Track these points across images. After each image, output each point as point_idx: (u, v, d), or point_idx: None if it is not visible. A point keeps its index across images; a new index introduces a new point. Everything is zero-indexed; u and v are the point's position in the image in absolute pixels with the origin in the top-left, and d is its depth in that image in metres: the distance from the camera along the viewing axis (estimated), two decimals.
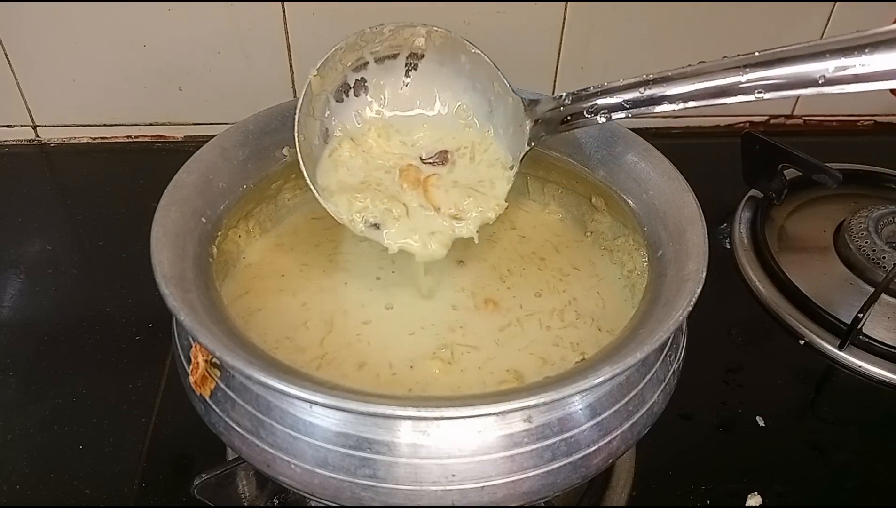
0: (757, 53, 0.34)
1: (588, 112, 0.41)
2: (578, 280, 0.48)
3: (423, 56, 0.46)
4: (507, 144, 0.46)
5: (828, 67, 0.32)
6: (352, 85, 0.46)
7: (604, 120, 0.40)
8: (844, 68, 0.32)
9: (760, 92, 0.34)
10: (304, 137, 0.44)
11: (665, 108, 0.38)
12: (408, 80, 0.47)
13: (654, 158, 0.45)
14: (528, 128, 0.44)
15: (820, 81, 0.33)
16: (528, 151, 0.45)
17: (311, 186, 0.43)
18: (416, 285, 0.46)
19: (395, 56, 0.46)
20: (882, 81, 0.31)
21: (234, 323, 0.37)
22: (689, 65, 0.37)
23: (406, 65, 0.47)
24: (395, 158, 0.46)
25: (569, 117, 0.42)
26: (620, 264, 0.49)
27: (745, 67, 0.34)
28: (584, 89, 0.41)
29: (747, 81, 0.35)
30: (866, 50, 0.31)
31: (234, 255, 0.47)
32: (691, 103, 0.37)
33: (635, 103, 0.39)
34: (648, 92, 0.38)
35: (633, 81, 0.39)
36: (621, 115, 0.40)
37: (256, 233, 0.49)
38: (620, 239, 0.48)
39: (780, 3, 0.73)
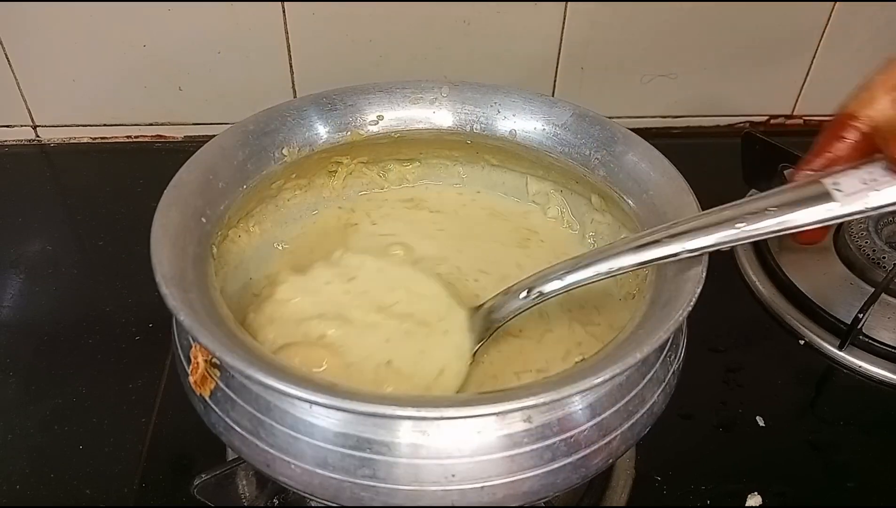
0: (671, 225, 0.38)
1: (524, 298, 0.41)
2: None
3: None
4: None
5: (740, 229, 0.36)
6: None
7: (541, 300, 0.41)
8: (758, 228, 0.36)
9: (685, 256, 0.37)
10: None
11: (598, 278, 0.39)
12: None
13: (654, 158, 0.45)
14: (475, 329, 0.43)
15: (736, 237, 0.36)
16: (476, 350, 0.42)
17: None
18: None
19: None
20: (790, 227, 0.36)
21: (234, 323, 0.37)
22: (613, 242, 0.40)
23: None
24: None
25: (508, 306, 0.42)
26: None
27: (667, 237, 0.37)
28: (520, 282, 0.41)
29: (671, 250, 0.37)
30: (771, 212, 0.36)
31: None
32: (621, 273, 0.39)
33: (571, 285, 0.40)
34: (581, 272, 0.39)
35: (566, 266, 0.40)
36: (558, 293, 0.40)
37: (256, 233, 0.49)
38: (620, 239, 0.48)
39: (780, 3, 0.73)
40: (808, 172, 0.37)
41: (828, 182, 0.36)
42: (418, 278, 0.45)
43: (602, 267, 0.38)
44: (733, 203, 0.37)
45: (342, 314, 0.42)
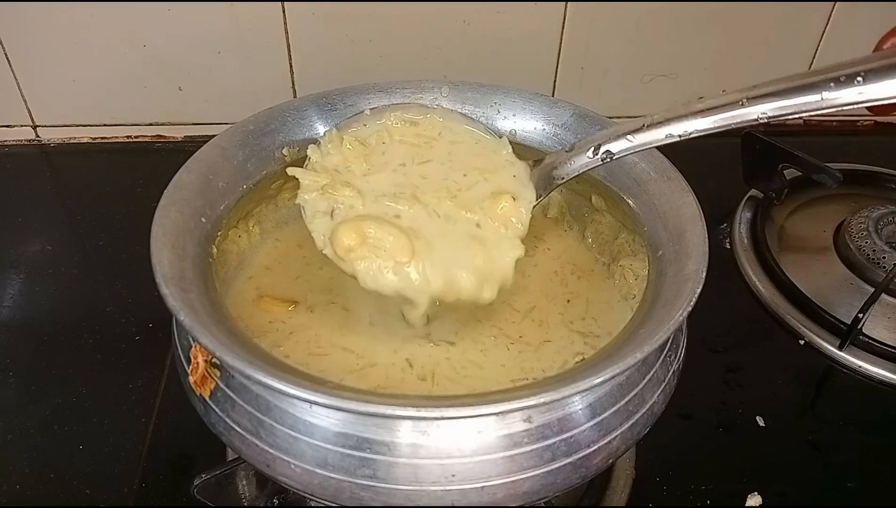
0: (753, 88, 0.35)
1: (590, 155, 0.41)
2: (578, 280, 0.48)
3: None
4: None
5: (823, 96, 0.33)
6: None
7: (609, 160, 0.40)
8: (840, 97, 0.33)
9: (763, 119, 0.35)
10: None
11: (669, 141, 0.38)
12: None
13: (654, 158, 0.45)
14: (533, 183, 0.44)
15: (822, 104, 0.34)
16: (536, 204, 0.44)
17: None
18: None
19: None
20: (877, 101, 0.33)
21: (234, 323, 0.37)
22: (690, 102, 0.37)
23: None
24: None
25: (571, 163, 0.42)
26: (620, 265, 0.48)
27: (746, 99, 0.35)
28: (587, 138, 0.41)
29: (751, 112, 0.35)
30: (858, 79, 0.33)
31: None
32: (695, 134, 0.37)
33: (640, 146, 0.39)
34: (653, 132, 0.38)
35: (636, 125, 0.39)
36: (625, 154, 0.40)
37: (257, 234, 0.49)
38: (620, 239, 0.48)
39: (781, 3, 0.73)
40: (894, 43, 0.35)
41: None
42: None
43: (674, 129, 0.37)
44: (819, 68, 0.34)
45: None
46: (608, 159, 0.40)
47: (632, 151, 0.39)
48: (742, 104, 0.35)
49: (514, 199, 0.43)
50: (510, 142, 0.48)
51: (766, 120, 0.35)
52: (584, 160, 0.41)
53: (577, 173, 0.42)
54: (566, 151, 0.42)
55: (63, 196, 0.73)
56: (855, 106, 0.33)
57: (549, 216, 0.53)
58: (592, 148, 0.40)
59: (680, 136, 0.37)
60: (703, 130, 0.37)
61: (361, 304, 0.46)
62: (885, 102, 0.33)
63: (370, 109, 0.47)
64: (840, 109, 0.33)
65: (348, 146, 0.46)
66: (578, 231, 0.52)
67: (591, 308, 0.47)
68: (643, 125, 0.38)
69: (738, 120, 0.35)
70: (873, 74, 0.32)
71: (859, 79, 0.33)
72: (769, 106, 0.34)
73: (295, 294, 0.47)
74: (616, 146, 0.39)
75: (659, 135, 0.38)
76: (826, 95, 0.33)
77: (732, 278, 0.64)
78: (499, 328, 0.45)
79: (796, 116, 0.34)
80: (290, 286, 0.47)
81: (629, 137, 0.39)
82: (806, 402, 0.56)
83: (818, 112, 0.34)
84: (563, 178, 0.42)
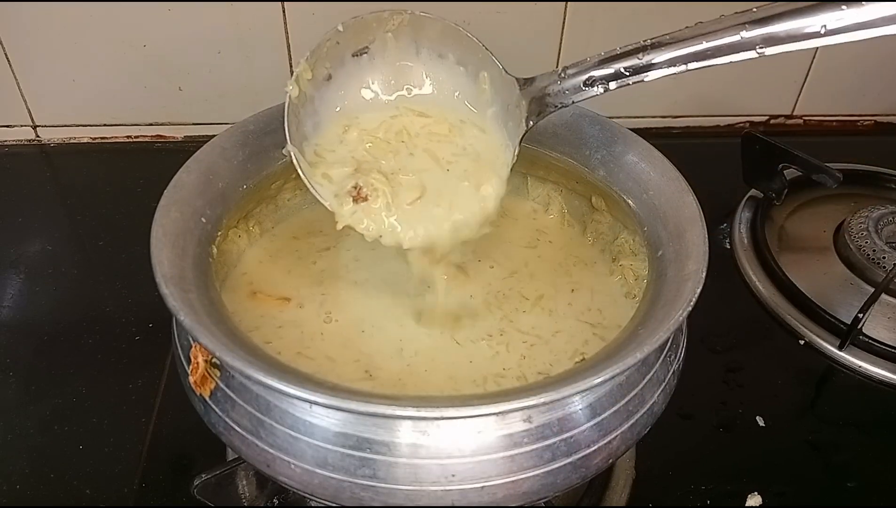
0: (755, 10, 0.34)
1: (586, 84, 0.40)
2: (578, 281, 0.48)
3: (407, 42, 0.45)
4: (507, 127, 0.45)
5: (828, 18, 0.32)
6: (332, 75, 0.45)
7: (601, 91, 0.39)
8: (844, 18, 0.32)
9: (762, 47, 0.34)
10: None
11: (665, 72, 0.37)
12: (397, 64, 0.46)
13: (654, 158, 0.45)
14: (524, 107, 0.43)
15: (822, 32, 0.32)
16: (527, 132, 0.43)
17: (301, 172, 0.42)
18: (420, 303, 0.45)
19: (366, 49, 0.45)
20: (883, 26, 0.31)
21: (234, 323, 0.37)
22: (687, 27, 0.36)
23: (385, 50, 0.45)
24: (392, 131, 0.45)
25: (567, 91, 0.41)
26: (620, 264, 0.49)
27: (744, 24, 0.34)
28: (579, 62, 0.40)
29: (747, 38, 0.34)
30: None
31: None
32: (692, 65, 0.36)
33: (635, 70, 0.37)
34: (647, 58, 0.37)
35: (630, 48, 0.38)
36: (619, 83, 0.38)
37: (257, 234, 0.49)
38: (620, 239, 0.48)
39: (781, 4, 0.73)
40: None
41: None
42: None
43: (673, 53, 0.36)
44: None
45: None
46: (604, 90, 0.39)
47: (629, 81, 0.38)
48: (744, 28, 0.34)
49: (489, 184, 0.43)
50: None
51: (763, 51, 0.33)
52: (578, 87, 0.39)
53: (571, 102, 0.40)
54: (556, 73, 0.41)
55: (63, 196, 0.73)
56: (855, 34, 0.31)
57: (549, 216, 0.53)
58: (587, 76, 0.39)
59: (682, 61, 0.35)
60: (702, 63, 0.35)
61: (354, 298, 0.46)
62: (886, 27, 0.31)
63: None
64: (840, 35, 0.32)
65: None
66: (579, 231, 0.52)
67: (596, 299, 0.47)
68: (646, 44, 0.36)
69: (738, 48, 0.34)
70: None
71: None
72: (770, 29, 0.33)
73: (287, 290, 0.47)
74: (614, 83, 0.38)
75: (658, 58, 0.36)
76: (846, 9, 0.31)
77: (732, 278, 0.64)
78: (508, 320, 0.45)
79: (800, 44, 0.33)
80: (283, 281, 0.47)
81: (639, 56, 0.37)
82: (806, 402, 0.56)
83: (820, 39, 0.32)
84: (556, 106, 0.41)
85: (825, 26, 0.32)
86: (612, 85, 0.39)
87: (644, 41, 0.37)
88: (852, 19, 0.32)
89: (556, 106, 0.41)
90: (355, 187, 0.41)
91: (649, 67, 0.37)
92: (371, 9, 0.69)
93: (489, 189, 0.43)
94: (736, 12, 0.35)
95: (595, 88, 0.39)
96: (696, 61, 0.36)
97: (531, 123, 0.42)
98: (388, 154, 0.44)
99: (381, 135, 0.45)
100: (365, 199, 0.41)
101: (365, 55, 0.45)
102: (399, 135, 0.45)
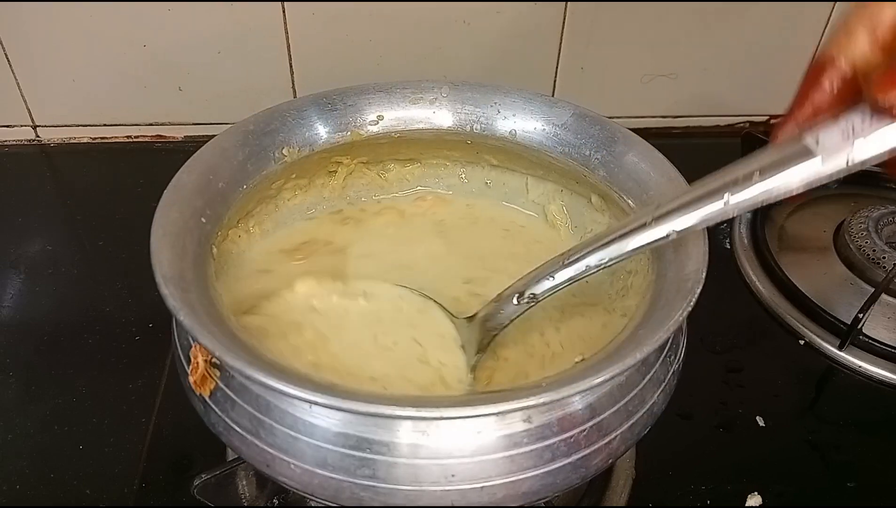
0: (657, 207, 0.37)
1: (517, 301, 0.41)
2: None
3: None
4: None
5: (727, 200, 0.34)
6: None
7: (534, 303, 0.40)
8: (744, 197, 0.34)
9: (674, 237, 0.36)
10: None
11: (589, 272, 0.39)
12: None
13: (654, 158, 0.45)
14: (474, 342, 0.42)
15: (727, 209, 0.35)
16: (477, 361, 0.42)
17: None
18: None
19: None
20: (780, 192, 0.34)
21: (234, 323, 0.37)
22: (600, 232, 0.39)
23: None
24: None
25: (501, 313, 0.41)
26: (620, 264, 0.48)
27: (653, 219, 0.36)
28: (509, 286, 0.41)
29: (659, 232, 0.36)
30: (756, 176, 0.34)
31: None
32: (612, 263, 0.38)
33: (562, 283, 0.39)
34: (570, 270, 0.39)
35: (555, 264, 0.39)
36: (549, 294, 0.40)
37: (256, 233, 0.49)
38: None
39: (781, 4, 0.73)
40: (791, 127, 0.35)
41: (809, 139, 0.33)
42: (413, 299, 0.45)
43: (591, 260, 0.38)
44: (717, 172, 0.35)
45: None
46: (533, 303, 0.40)
47: (555, 290, 0.39)
48: (648, 225, 0.36)
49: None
50: (511, 141, 0.48)
51: (676, 236, 0.36)
52: (512, 308, 0.41)
53: (508, 321, 0.41)
54: (494, 302, 0.42)
55: (63, 196, 0.73)
56: (763, 202, 0.34)
57: (549, 216, 0.53)
58: (516, 295, 0.40)
59: (597, 266, 0.38)
60: (620, 258, 0.37)
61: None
62: (786, 193, 0.33)
63: None
64: (748, 208, 0.34)
65: None
66: (578, 231, 0.52)
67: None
68: (561, 263, 0.39)
69: (649, 239, 0.36)
70: (770, 168, 0.33)
71: (757, 175, 0.33)
72: (676, 222, 0.36)
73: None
74: (540, 287, 0.40)
75: (578, 268, 0.38)
76: (730, 198, 0.34)
77: (732, 278, 0.64)
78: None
79: (706, 224, 0.35)
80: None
81: (550, 276, 0.39)
82: (806, 402, 0.56)
83: (728, 215, 0.35)
84: (497, 328, 0.41)
85: (729, 203, 0.35)
86: (541, 296, 0.40)
87: (568, 254, 0.39)
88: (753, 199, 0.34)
89: (497, 329, 0.42)
90: None
91: (565, 281, 0.39)
92: (371, 9, 0.69)
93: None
94: (648, 208, 0.37)
95: (525, 303, 0.40)
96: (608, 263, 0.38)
97: (480, 354, 0.42)
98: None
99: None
100: None
101: None
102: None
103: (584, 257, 0.38)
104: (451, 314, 0.44)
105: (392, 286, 0.45)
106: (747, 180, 0.34)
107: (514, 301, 0.40)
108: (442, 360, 0.41)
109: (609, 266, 0.38)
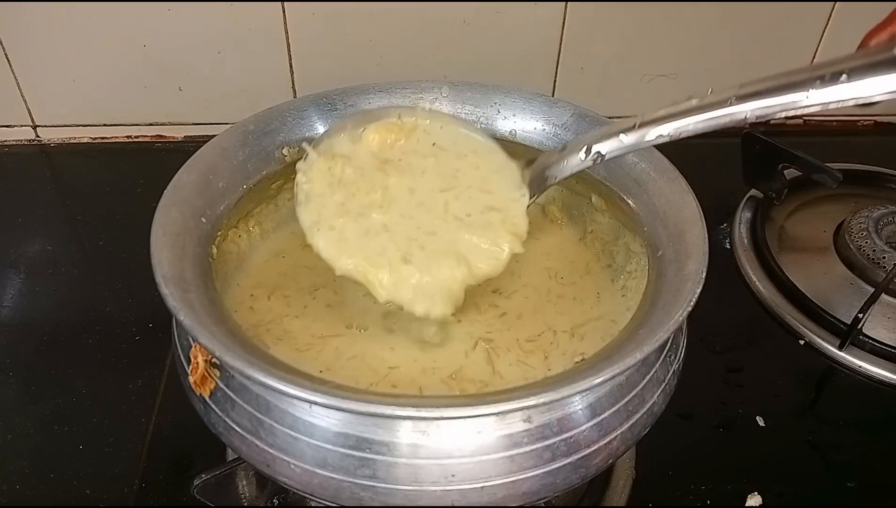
0: (742, 86, 0.35)
1: (583, 156, 0.41)
2: (578, 281, 0.48)
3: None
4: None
5: (809, 94, 0.34)
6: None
7: (600, 161, 0.40)
8: (825, 94, 0.33)
9: (752, 118, 0.35)
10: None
11: (660, 140, 0.38)
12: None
13: (654, 158, 0.45)
14: (525, 190, 0.44)
15: (808, 101, 0.34)
16: (529, 204, 0.44)
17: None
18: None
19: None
20: (860, 99, 0.33)
21: (234, 323, 0.37)
22: (679, 101, 0.38)
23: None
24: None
25: (565, 166, 0.42)
26: (620, 264, 0.49)
27: (735, 98, 0.35)
28: (578, 138, 0.41)
29: (739, 111, 0.35)
30: (843, 77, 0.33)
31: None
32: (684, 134, 0.37)
33: (631, 147, 0.39)
34: (642, 133, 0.38)
35: (628, 125, 0.39)
36: (616, 154, 0.40)
37: (257, 233, 0.49)
38: (620, 240, 0.48)
39: (781, 4, 0.73)
40: (884, 35, 0.35)
41: None
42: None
43: (665, 129, 0.37)
44: (804, 67, 0.34)
45: None
46: (599, 160, 0.40)
47: (623, 151, 0.39)
48: (731, 103, 0.35)
49: (503, 213, 0.43)
50: (511, 141, 0.48)
51: (754, 119, 0.35)
52: (576, 161, 0.41)
53: (569, 174, 0.42)
54: (558, 152, 0.42)
55: (63, 196, 0.73)
56: (840, 104, 0.33)
57: (548, 215, 0.53)
58: (584, 148, 0.40)
59: (670, 135, 0.37)
60: (693, 131, 0.37)
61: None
62: (867, 100, 0.33)
63: (349, 118, 0.46)
64: (826, 106, 0.33)
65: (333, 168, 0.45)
66: (578, 232, 0.52)
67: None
68: (634, 125, 0.38)
69: (727, 119, 0.35)
70: (857, 71, 0.33)
71: (844, 77, 0.33)
72: (757, 105, 0.34)
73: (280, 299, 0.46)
74: (606, 147, 0.40)
75: (650, 135, 0.38)
76: (812, 92, 0.33)
77: (732, 278, 0.64)
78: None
79: (783, 113, 0.34)
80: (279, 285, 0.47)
81: (621, 136, 0.39)
82: (806, 402, 0.56)
83: (805, 110, 0.34)
84: (555, 177, 0.42)
85: (808, 96, 0.34)
86: (607, 156, 0.40)
87: (641, 118, 0.38)
88: (834, 96, 0.33)
89: (555, 178, 0.42)
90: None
91: (638, 143, 0.39)
92: (371, 9, 0.69)
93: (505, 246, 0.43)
94: (725, 88, 0.36)
95: (589, 160, 0.40)
96: (690, 132, 0.37)
97: (534, 197, 0.44)
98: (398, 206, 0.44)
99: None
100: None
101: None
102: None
103: (656, 123, 0.37)
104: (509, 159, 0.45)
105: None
106: (834, 79, 0.33)
107: (581, 155, 0.40)
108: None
109: (679, 137, 0.37)
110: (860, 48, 0.35)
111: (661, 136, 0.37)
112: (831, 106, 0.33)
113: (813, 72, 0.34)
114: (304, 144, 0.45)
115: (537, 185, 0.43)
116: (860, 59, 0.33)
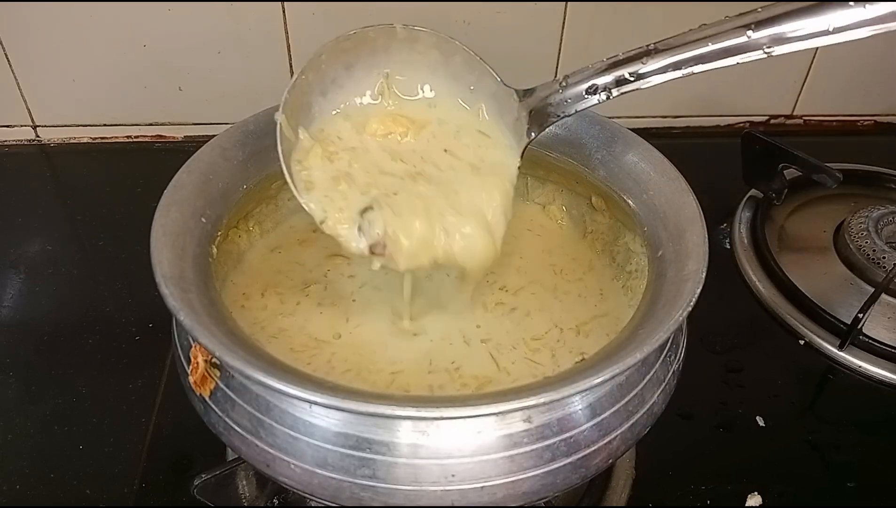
0: (760, 10, 0.34)
1: (588, 92, 0.39)
2: (578, 281, 0.48)
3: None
4: (509, 140, 0.45)
5: (833, 17, 0.32)
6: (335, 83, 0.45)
7: (604, 98, 0.39)
8: (849, 17, 0.32)
9: (769, 48, 0.34)
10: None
11: (669, 76, 0.36)
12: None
13: (654, 158, 0.45)
14: (524, 119, 0.43)
15: (830, 30, 0.32)
16: (529, 143, 0.43)
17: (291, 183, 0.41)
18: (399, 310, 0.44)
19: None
20: (889, 22, 0.31)
21: (234, 323, 0.37)
22: (691, 29, 0.36)
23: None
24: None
25: (568, 100, 0.40)
26: (620, 264, 0.49)
27: (749, 25, 0.34)
28: (581, 69, 0.40)
29: (754, 39, 0.34)
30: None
31: None
32: (697, 68, 0.35)
33: (638, 76, 0.37)
34: (651, 62, 0.37)
35: (632, 53, 0.37)
36: (622, 89, 0.38)
37: (257, 233, 0.49)
38: (620, 240, 0.48)
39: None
40: None
41: None
42: None
43: (681, 54, 0.35)
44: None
45: None
46: (609, 97, 0.38)
47: (629, 89, 0.37)
48: (751, 28, 0.33)
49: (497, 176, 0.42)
50: None
51: (771, 51, 0.33)
52: (591, 99, 0.39)
53: (574, 112, 0.39)
54: (560, 84, 0.40)
55: (63, 196, 0.73)
56: (861, 30, 0.32)
57: (548, 216, 0.53)
58: (588, 85, 0.38)
59: (686, 64, 0.35)
60: (708, 66, 0.35)
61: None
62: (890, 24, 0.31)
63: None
64: (847, 33, 0.32)
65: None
66: (579, 231, 0.52)
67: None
68: (650, 49, 0.36)
69: (745, 49, 0.34)
70: None
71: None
72: (777, 29, 0.33)
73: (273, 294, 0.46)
74: (627, 70, 0.37)
75: (662, 64, 0.36)
76: (833, 25, 0.32)
77: (732, 278, 0.64)
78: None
79: (803, 44, 0.33)
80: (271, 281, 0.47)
81: (643, 61, 0.36)
82: (806, 402, 0.56)
83: (828, 41, 0.32)
84: (556, 116, 0.40)
85: (832, 25, 0.32)
86: (615, 92, 0.39)
87: (647, 45, 0.37)
88: (859, 17, 0.32)
89: (558, 116, 0.41)
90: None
91: (653, 72, 0.37)
92: (371, 9, 0.69)
93: (496, 202, 0.41)
94: (740, 13, 0.34)
95: (597, 96, 0.39)
96: (701, 64, 0.36)
97: (533, 134, 0.42)
98: (386, 166, 0.43)
99: (380, 141, 0.44)
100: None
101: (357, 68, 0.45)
102: (397, 145, 0.44)
103: (671, 51, 0.36)
104: (504, 84, 0.43)
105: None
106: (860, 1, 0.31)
107: (605, 78, 0.38)
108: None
109: (696, 73, 0.35)
110: None
111: (675, 64, 0.35)
112: (852, 33, 0.31)
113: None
114: (277, 116, 0.41)
115: (539, 120, 0.41)
116: None
